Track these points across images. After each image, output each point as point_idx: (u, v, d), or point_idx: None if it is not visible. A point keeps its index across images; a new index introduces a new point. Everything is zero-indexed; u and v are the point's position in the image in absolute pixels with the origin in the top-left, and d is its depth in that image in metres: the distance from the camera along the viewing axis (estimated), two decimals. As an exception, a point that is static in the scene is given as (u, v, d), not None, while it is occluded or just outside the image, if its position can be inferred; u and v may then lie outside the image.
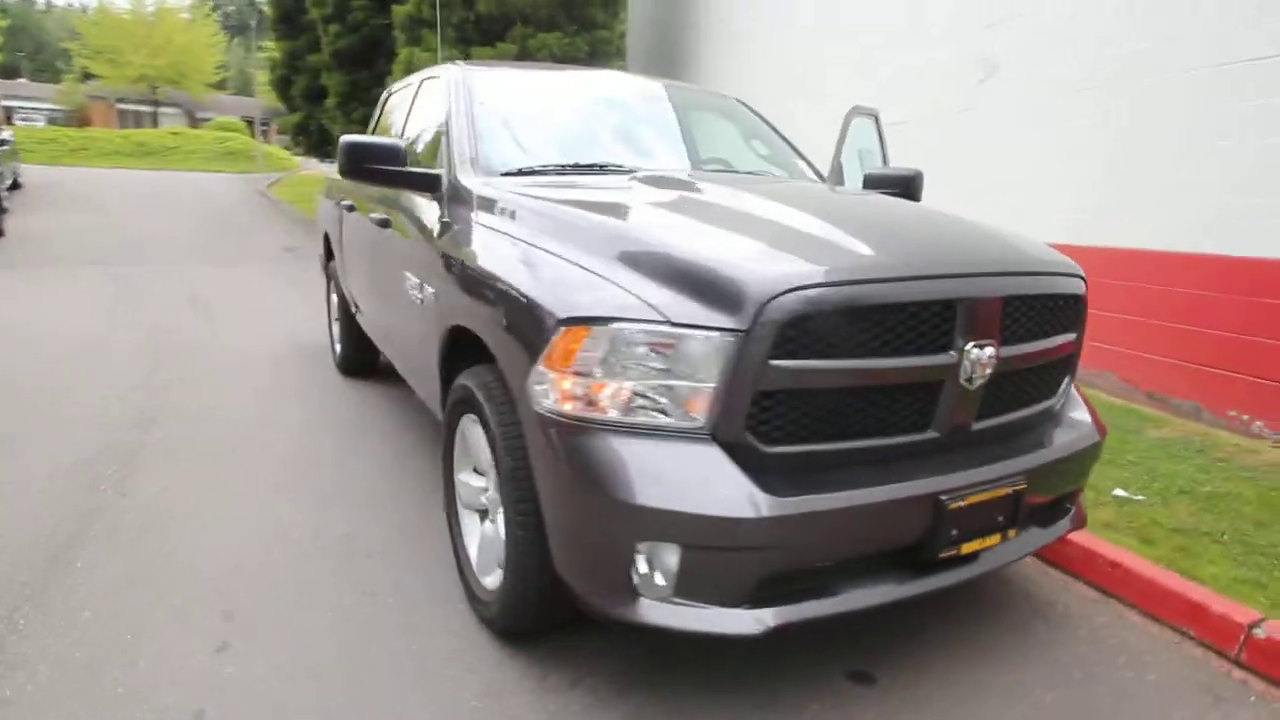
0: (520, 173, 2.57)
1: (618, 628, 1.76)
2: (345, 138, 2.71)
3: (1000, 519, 1.88)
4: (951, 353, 1.78)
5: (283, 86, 17.06)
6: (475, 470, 2.38)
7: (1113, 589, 2.54)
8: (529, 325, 1.80)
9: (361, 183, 2.74)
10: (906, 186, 3.03)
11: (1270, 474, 3.36)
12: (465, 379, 2.20)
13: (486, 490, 2.29)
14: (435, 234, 2.49)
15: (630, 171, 2.68)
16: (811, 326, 1.64)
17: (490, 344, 2.00)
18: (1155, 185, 4.33)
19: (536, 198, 2.24)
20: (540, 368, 1.76)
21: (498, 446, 1.96)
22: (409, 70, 11.30)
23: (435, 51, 11.27)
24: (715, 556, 1.64)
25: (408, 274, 2.75)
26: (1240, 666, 2.21)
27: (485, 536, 2.29)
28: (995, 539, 1.91)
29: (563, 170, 2.68)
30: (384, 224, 3.20)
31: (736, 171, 3.03)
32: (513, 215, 2.18)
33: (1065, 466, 2.08)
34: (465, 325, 2.20)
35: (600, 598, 1.73)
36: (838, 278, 1.68)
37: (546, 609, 1.98)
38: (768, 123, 3.52)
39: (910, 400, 1.80)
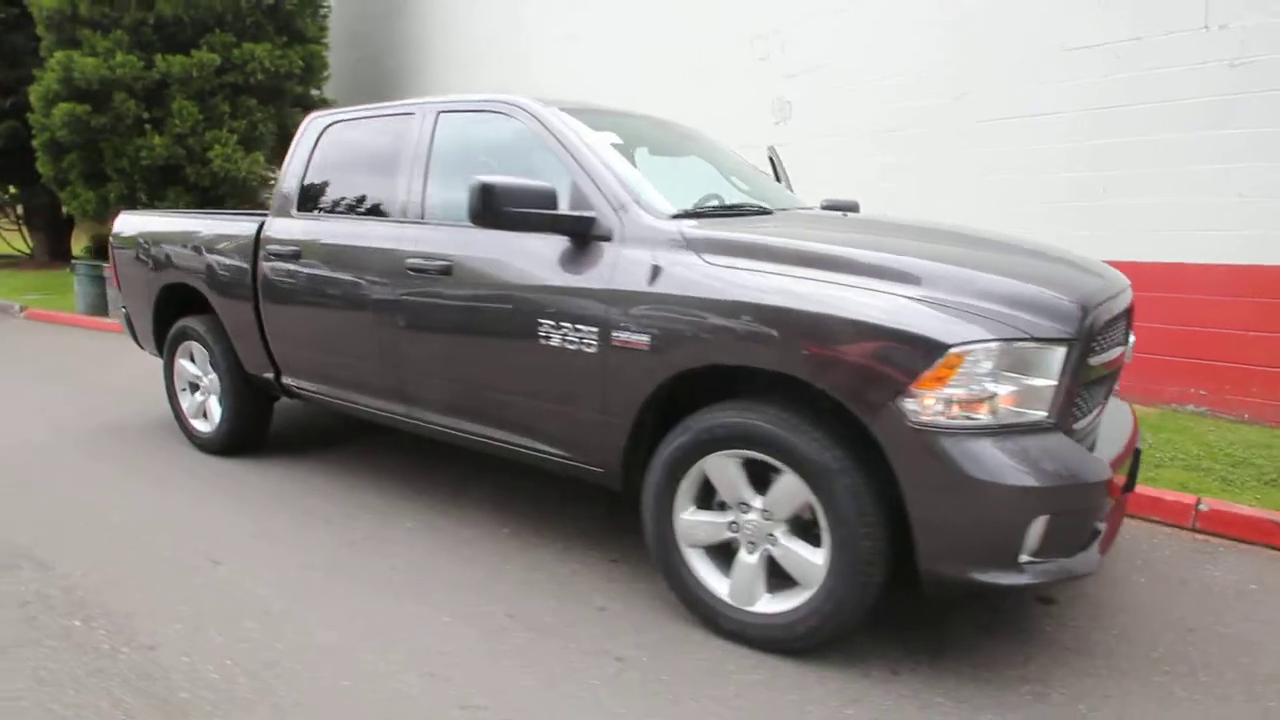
0: (687, 215, 2.60)
1: (965, 599, 2.07)
2: (485, 179, 2.47)
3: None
4: (1123, 346, 2.45)
5: None
6: (711, 507, 2.42)
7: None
8: (892, 353, 2.00)
9: (488, 227, 2.47)
10: (852, 213, 3.65)
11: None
12: (732, 415, 2.25)
13: (735, 523, 2.36)
14: (638, 277, 2.42)
15: (767, 210, 2.91)
16: (1100, 330, 2.16)
17: (807, 376, 2.10)
18: (940, 215, 5.72)
19: (781, 237, 2.36)
20: (913, 388, 1.98)
21: (824, 473, 2.10)
22: (68, 79, 9.01)
23: (101, 57, 9.15)
24: (1074, 518, 2.05)
25: (550, 323, 2.58)
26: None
27: (744, 565, 2.35)
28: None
29: (717, 212, 2.79)
30: (445, 271, 2.88)
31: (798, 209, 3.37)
32: (771, 256, 2.26)
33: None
34: (725, 362, 2.24)
35: (980, 572, 2.01)
36: (1108, 294, 2.24)
37: (868, 608, 2.18)
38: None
39: (1101, 388, 2.42)
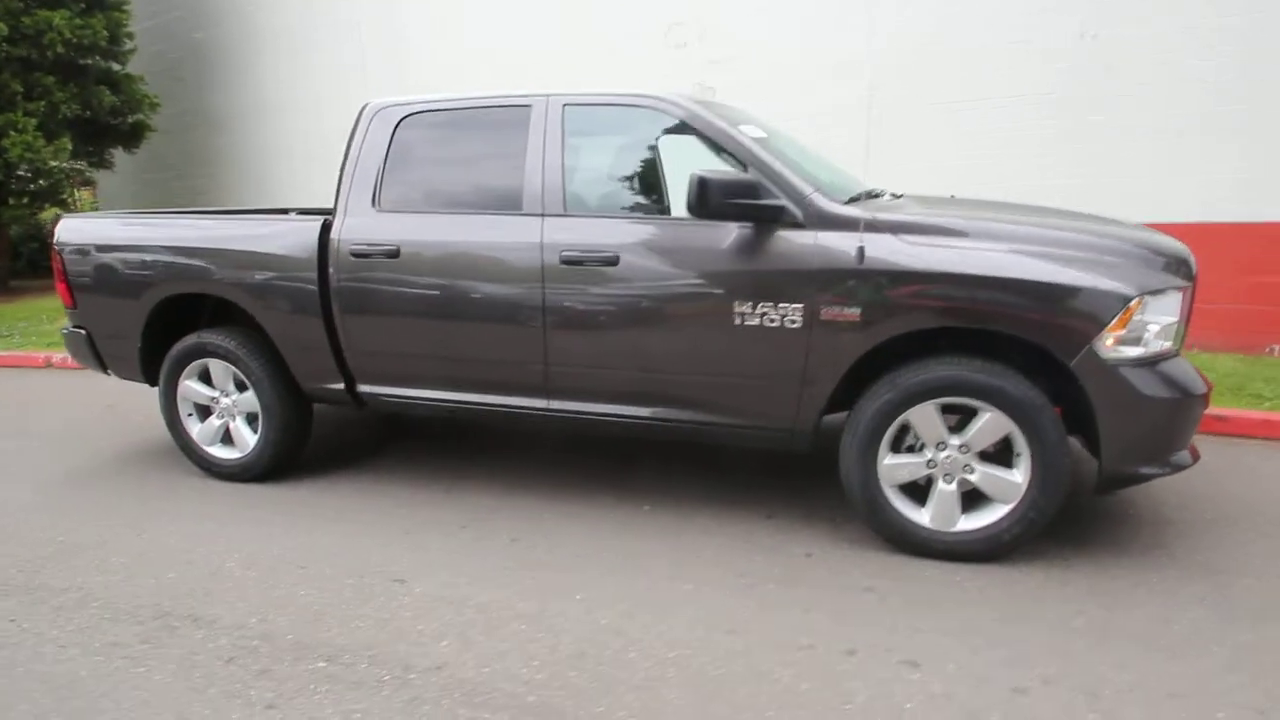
0: (856, 199, 2.93)
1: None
2: (702, 174, 2.64)
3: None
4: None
5: None
6: (901, 450, 2.82)
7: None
8: (1091, 307, 2.51)
9: (706, 219, 2.68)
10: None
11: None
12: (945, 369, 2.66)
13: (932, 460, 2.79)
14: (844, 258, 2.71)
15: (899, 194, 3.30)
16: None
17: (1019, 332, 2.58)
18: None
19: (950, 218, 2.76)
20: (1107, 330, 2.53)
21: (1031, 408, 2.59)
22: None
23: None
24: (1191, 422, 2.72)
25: (748, 305, 2.80)
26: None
27: (944, 494, 2.79)
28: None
29: (871, 195, 3.13)
30: (609, 262, 2.95)
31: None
32: (956, 233, 2.67)
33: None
34: (934, 327, 2.65)
35: (1145, 467, 2.65)
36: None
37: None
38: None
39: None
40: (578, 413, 3.17)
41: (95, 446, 4.43)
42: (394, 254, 3.25)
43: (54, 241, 3.92)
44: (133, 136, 9.89)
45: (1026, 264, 2.59)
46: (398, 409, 3.55)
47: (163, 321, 3.82)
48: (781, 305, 2.78)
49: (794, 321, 2.78)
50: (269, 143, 10.27)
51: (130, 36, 9.45)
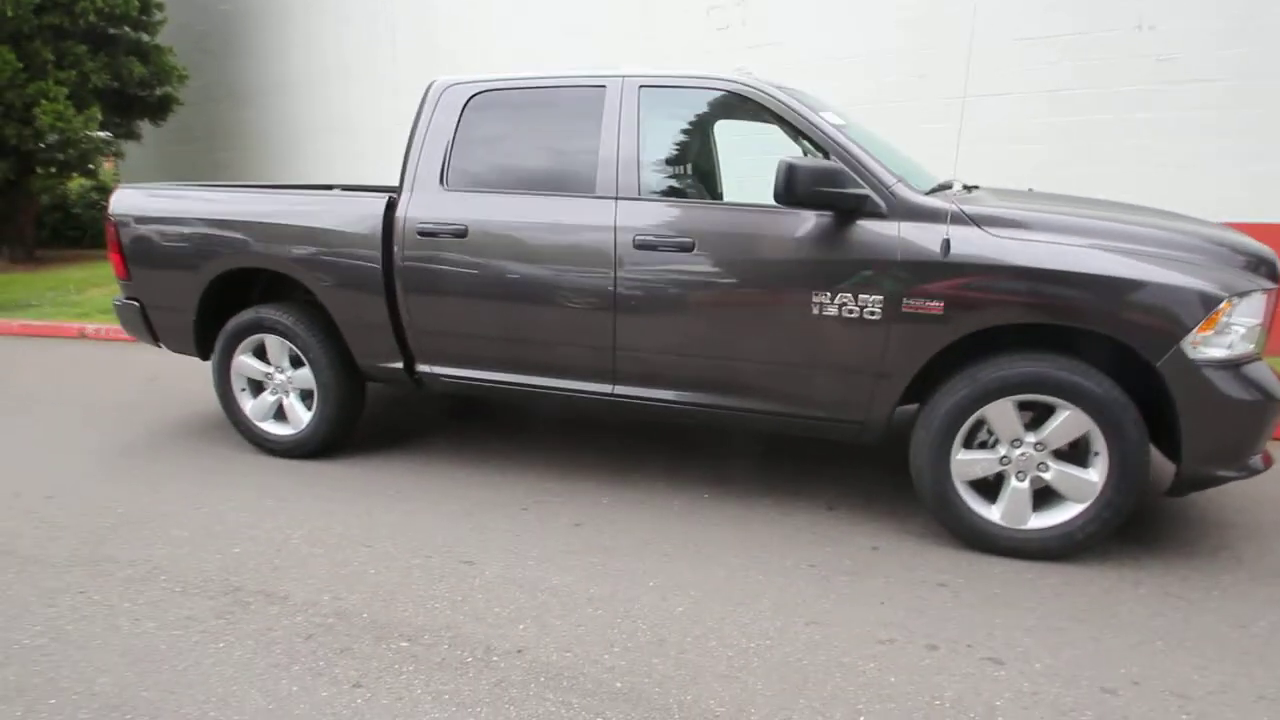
0: (937, 190, 2.90)
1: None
2: (791, 161, 2.62)
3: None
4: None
5: None
6: (979, 446, 2.80)
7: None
8: (1181, 306, 2.47)
9: (793, 207, 2.69)
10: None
11: None
12: (1026, 366, 2.63)
13: (1006, 456, 2.77)
14: (929, 250, 2.68)
15: (972, 185, 3.26)
16: (1272, 281, 2.83)
17: (1109, 330, 2.55)
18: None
19: (1034, 211, 2.73)
20: (1196, 331, 2.49)
21: (1113, 407, 2.56)
22: None
23: None
24: (1270, 425, 2.70)
25: (826, 294, 2.78)
26: None
27: (1017, 491, 2.77)
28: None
29: (944, 186, 3.08)
30: (685, 248, 2.93)
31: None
32: (1043, 227, 2.63)
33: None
34: (1023, 322, 2.62)
35: (1223, 469, 2.62)
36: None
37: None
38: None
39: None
40: (644, 399, 3.16)
41: (144, 419, 4.43)
42: (462, 233, 3.22)
43: (109, 212, 3.90)
44: (160, 109, 9.84)
45: (1117, 261, 2.55)
46: (455, 390, 3.53)
47: (217, 296, 3.81)
48: (861, 296, 2.75)
49: (873, 313, 2.75)
50: (295, 117, 10.21)
51: (160, 7, 9.37)
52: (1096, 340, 2.65)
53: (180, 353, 4.04)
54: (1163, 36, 5.48)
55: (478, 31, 8.39)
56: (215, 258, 3.67)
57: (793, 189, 2.65)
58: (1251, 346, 2.62)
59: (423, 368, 3.51)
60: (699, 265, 2.94)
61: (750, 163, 3.91)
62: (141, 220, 3.82)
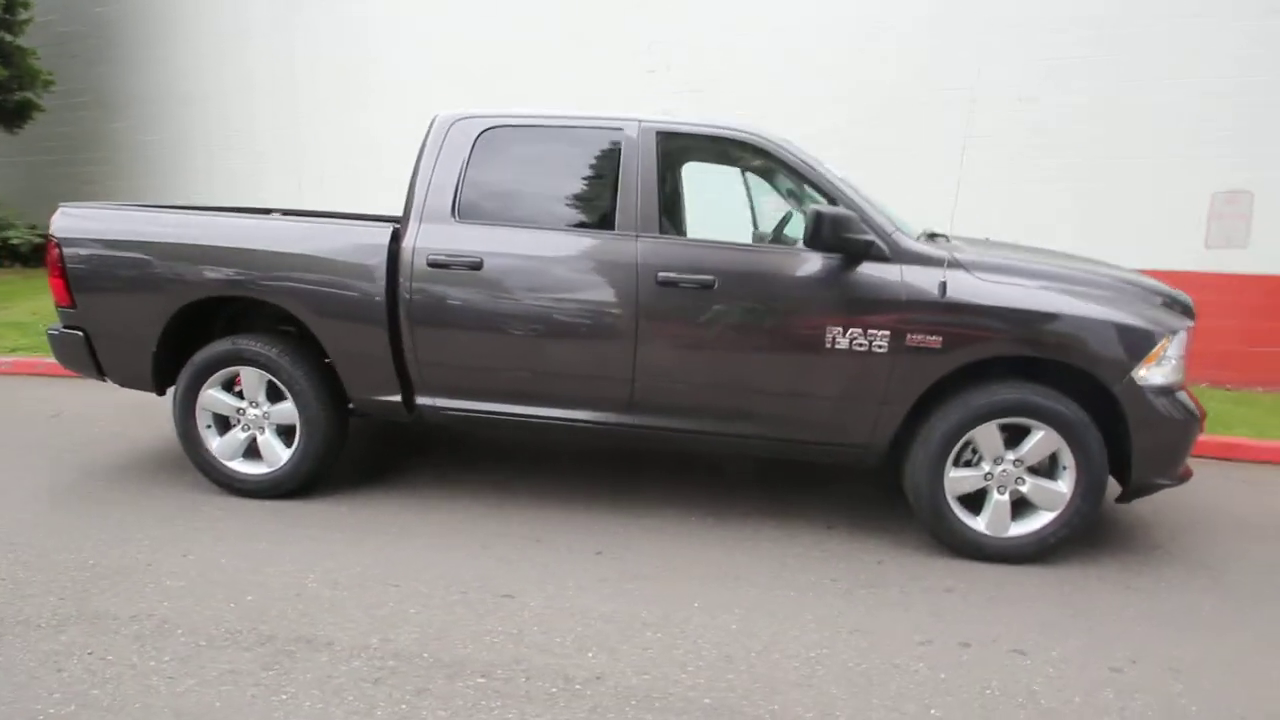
0: (932, 237, 3.25)
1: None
2: (820, 209, 2.87)
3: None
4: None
5: None
6: (964, 465, 3.15)
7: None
8: (1136, 342, 2.94)
9: (820, 251, 2.97)
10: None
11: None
12: (1012, 393, 3.01)
13: (989, 473, 3.13)
14: (929, 291, 3.00)
15: (943, 234, 3.61)
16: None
17: (1079, 363, 2.99)
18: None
19: (1013, 259, 3.14)
20: (1143, 362, 2.97)
21: (1080, 427, 2.98)
22: None
23: None
24: (1192, 442, 3.22)
25: (839, 329, 3.04)
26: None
27: (998, 504, 3.14)
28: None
29: (933, 236, 3.42)
30: (706, 286, 3.10)
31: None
32: (1021, 273, 3.03)
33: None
34: (1008, 354, 3.01)
35: (1162, 478, 3.11)
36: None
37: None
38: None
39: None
40: (661, 428, 3.28)
41: (72, 460, 3.99)
42: (477, 265, 3.23)
43: (52, 232, 3.54)
44: (18, 115, 8.84)
45: (1088, 305, 3.01)
46: (455, 422, 3.49)
47: (179, 327, 3.55)
48: (870, 331, 3.04)
49: (880, 346, 3.04)
50: (183, 132, 9.50)
51: (25, 5, 8.47)
52: (1062, 370, 3.09)
53: (129, 386, 3.70)
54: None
55: (408, 55, 8.24)
56: (187, 286, 3.42)
57: (819, 234, 2.91)
58: (1179, 376, 3.15)
59: (423, 400, 3.45)
60: (719, 302, 3.13)
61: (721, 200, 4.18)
62: (94, 243, 3.50)
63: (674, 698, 2.23)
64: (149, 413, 4.74)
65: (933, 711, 2.21)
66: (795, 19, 6.97)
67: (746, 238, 3.97)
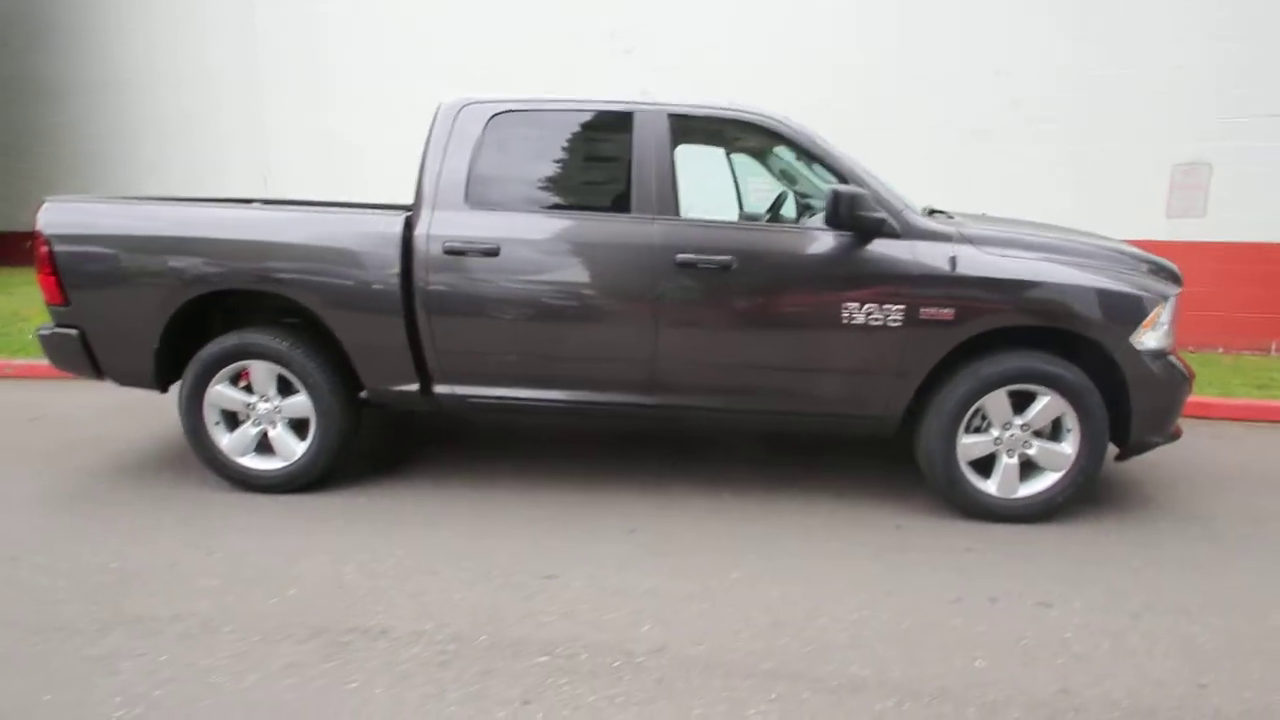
0: (932, 213, 3.35)
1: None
2: (839, 189, 2.94)
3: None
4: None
5: None
6: (974, 431, 3.29)
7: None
8: (1135, 308, 3.11)
9: (839, 229, 3.03)
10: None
11: None
12: (1020, 361, 3.16)
13: (998, 438, 3.28)
14: (940, 266, 3.10)
15: (945, 212, 3.72)
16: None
17: (1082, 329, 3.15)
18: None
19: (1017, 233, 3.27)
20: (1141, 328, 3.14)
21: (1083, 392, 3.14)
22: None
23: None
24: (1184, 402, 3.44)
25: (855, 305, 3.14)
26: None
27: (1008, 467, 3.29)
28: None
29: (934, 213, 3.50)
30: (725, 266, 3.15)
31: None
32: (1024, 246, 3.16)
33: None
34: (1015, 325, 3.15)
35: (1158, 437, 3.31)
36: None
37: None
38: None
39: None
40: (684, 407, 3.34)
41: (68, 464, 3.84)
42: (494, 251, 3.22)
43: (39, 228, 3.39)
44: (-52, 104, 8.34)
45: (1089, 275, 3.17)
46: (475, 409, 3.49)
47: (194, 320, 3.46)
48: (886, 306, 3.15)
49: (895, 320, 3.15)
50: (122, 121, 9.10)
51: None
52: (1065, 337, 3.25)
53: (129, 385, 3.59)
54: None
55: (366, 41, 8.03)
56: (192, 280, 3.33)
57: (837, 213, 2.99)
58: (1171, 340, 3.35)
59: (441, 389, 3.43)
60: (738, 281, 3.19)
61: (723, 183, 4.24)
62: (86, 238, 3.37)
63: (735, 665, 2.31)
64: (136, 412, 4.60)
65: (978, 663, 2.34)
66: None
67: (734, 218, 4.05)
